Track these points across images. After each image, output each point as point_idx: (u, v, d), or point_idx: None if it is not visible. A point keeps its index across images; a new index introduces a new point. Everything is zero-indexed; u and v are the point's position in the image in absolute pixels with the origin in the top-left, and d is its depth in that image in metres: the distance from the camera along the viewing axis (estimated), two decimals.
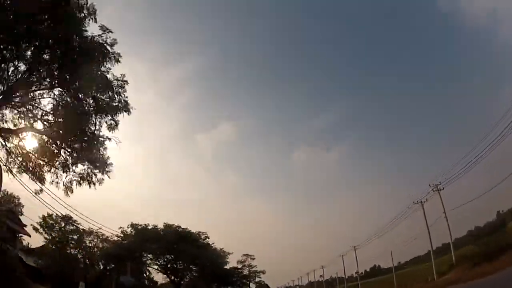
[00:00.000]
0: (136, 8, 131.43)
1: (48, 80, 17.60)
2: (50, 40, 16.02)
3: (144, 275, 60.19)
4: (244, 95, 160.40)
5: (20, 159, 19.42)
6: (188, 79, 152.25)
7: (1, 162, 18.62)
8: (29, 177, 19.80)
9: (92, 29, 17.54)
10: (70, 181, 20.00)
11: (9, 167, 18.98)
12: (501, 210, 60.65)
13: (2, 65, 16.06)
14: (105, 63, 18.01)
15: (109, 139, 19.78)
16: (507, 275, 17.20)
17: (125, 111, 19.47)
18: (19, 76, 16.79)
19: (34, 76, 17.18)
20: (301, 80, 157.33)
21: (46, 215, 38.67)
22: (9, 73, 16.50)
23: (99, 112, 18.71)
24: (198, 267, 53.28)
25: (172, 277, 53.05)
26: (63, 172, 19.64)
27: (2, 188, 20.44)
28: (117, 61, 18.37)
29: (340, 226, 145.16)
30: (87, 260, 45.37)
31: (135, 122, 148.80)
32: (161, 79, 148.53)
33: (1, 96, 16.65)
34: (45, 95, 18.44)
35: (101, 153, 19.86)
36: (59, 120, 18.37)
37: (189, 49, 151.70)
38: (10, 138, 18.65)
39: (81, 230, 41.92)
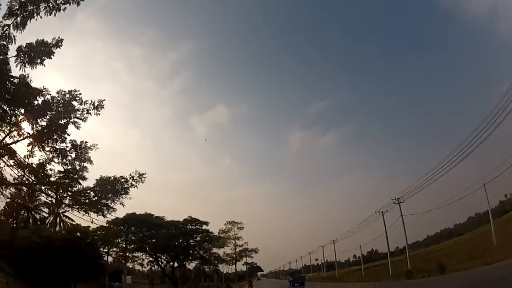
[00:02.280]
0: None
1: None
2: None
3: None
4: (239, 80, 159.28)
5: None
6: (183, 63, 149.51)
7: None
8: None
9: None
10: None
11: None
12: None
13: None
14: None
15: None
16: None
17: None
18: None
19: None
20: (297, 66, 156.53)
21: None
22: None
23: None
24: None
25: None
26: None
27: None
28: None
29: (333, 211, 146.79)
30: None
31: (130, 106, 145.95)
32: (156, 64, 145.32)
33: None
34: None
35: None
36: None
37: (184, 33, 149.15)
38: None
39: None
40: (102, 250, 38.49)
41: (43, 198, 28.72)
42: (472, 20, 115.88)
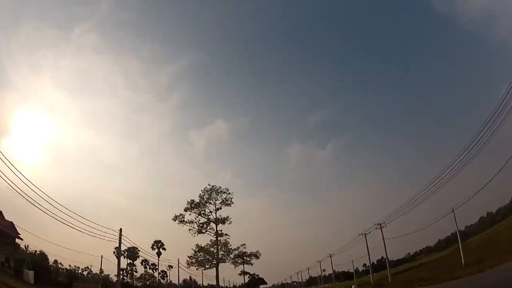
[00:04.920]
0: (130, 7, 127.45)
1: None
2: None
3: None
4: (238, 92, 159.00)
5: None
6: (181, 77, 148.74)
7: None
8: None
9: None
10: None
11: None
12: None
13: None
14: None
15: None
16: None
17: None
18: None
19: None
20: (295, 78, 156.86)
21: None
22: None
23: None
24: None
25: None
26: None
27: None
28: None
29: (334, 221, 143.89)
30: None
31: (129, 121, 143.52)
32: (154, 78, 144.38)
33: None
34: None
35: None
36: None
37: (183, 47, 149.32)
38: None
39: None
40: None
41: None
42: (468, 22, 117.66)
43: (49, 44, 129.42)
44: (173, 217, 46.36)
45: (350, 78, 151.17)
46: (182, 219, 46.24)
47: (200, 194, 47.28)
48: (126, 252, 67.80)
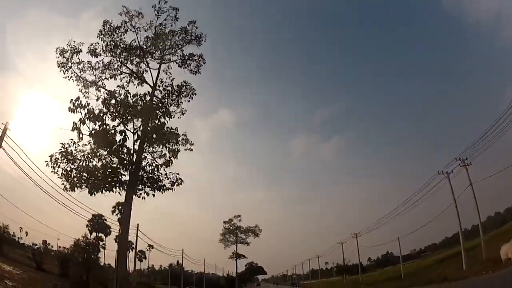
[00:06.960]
0: None
1: None
2: None
3: None
4: (243, 83, 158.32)
5: None
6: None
7: None
8: None
9: None
10: None
11: None
12: None
13: None
14: None
15: None
16: None
17: None
18: None
19: None
20: (303, 72, 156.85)
21: None
22: None
23: None
24: None
25: None
26: None
27: None
28: None
29: (336, 215, 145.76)
30: None
31: None
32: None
33: None
34: None
35: None
36: None
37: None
38: None
39: None
40: None
41: None
42: (476, 24, 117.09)
43: (56, 30, 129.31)
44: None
45: (360, 77, 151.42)
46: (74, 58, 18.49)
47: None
48: (91, 222, 52.44)
